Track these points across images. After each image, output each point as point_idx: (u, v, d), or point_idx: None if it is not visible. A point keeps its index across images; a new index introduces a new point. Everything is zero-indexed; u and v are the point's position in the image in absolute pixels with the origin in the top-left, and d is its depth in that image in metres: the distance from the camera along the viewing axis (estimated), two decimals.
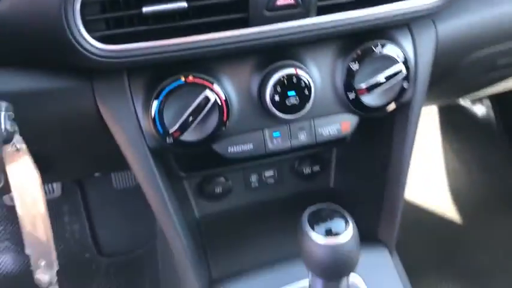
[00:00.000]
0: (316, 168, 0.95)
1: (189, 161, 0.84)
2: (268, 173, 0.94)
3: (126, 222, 1.56)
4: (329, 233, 0.60)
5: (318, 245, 0.59)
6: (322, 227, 0.60)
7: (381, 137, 0.82)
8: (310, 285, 0.69)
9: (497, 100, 1.59)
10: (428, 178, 1.74)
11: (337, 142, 0.81)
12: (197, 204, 0.93)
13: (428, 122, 1.76)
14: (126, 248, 1.53)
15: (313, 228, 0.60)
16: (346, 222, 0.61)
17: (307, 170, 0.95)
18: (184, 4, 0.59)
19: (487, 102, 1.64)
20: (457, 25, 0.78)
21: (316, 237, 0.59)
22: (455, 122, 1.74)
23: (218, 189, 0.91)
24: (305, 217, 0.62)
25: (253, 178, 0.94)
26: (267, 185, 0.94)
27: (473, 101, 1.67)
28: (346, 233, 0.59)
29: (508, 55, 0.88)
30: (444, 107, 1.72)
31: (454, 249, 1.58)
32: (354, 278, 0.79)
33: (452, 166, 1.72)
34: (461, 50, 0.81)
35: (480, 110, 1.64)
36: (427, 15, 0.70)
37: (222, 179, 0.91)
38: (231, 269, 0.82)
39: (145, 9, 0.59)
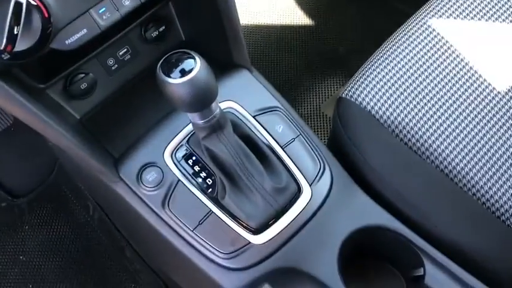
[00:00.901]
0: (162, 28, 1.00)
1: (40, 71, 0.85)
2: (122, 51, 0.97)
3: (25, 157, 1.54)
4: (183, 73, 0.68)
5: (177, 86, 0.68)
6: (176, 71, 0.69)
7: None
8: (192, 124, 0.80)
9: None
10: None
11: None
12: (72, 108, 0.96)
13: None
14: (37, 180, 1.54)
15: (169, 76, 0.68)
16: (194, 59, 0.69)
17: (155, 33, 0.99)
18: None
19: None
20: None
21: (173, 81, 0.68)
22: None
23: (83, 85, 0.93)
24: (159, 69, 0.70)
25: (111, 61, 0.96)
26: (126, 62, 0.98)
27: None
28: (196, 67, 0.68)
29: None
30: None
31: (310, 46, 1.75)
32: (228, 104, 0.91)
33: None
34: None
35: None
36: None
37: (81, 75, 0.93)
38: (128, 144, 0.91)
39: None
